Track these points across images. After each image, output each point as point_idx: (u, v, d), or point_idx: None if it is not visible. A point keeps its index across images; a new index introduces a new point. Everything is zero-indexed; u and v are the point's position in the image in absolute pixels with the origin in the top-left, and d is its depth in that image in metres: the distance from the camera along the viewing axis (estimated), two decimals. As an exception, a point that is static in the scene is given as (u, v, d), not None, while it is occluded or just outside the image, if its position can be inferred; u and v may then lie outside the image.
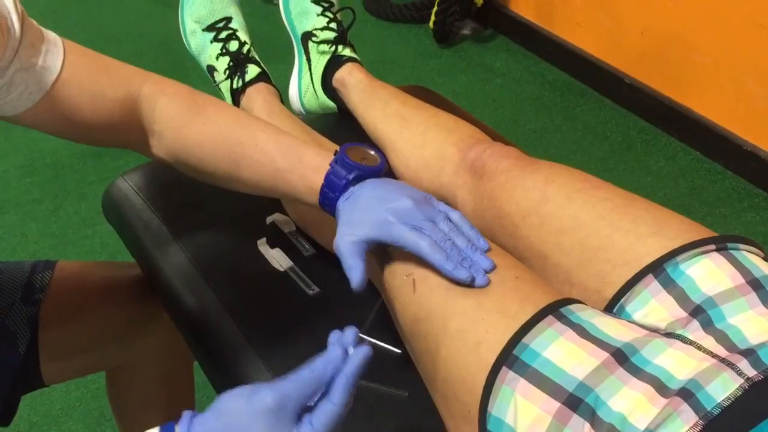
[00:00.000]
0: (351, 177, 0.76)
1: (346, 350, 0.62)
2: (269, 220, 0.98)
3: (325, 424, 0.58)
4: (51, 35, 0.80)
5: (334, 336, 0.64)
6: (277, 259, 0.93)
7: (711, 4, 2.04)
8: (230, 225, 0.95)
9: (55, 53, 0.79)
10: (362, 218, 0.74)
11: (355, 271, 0.72)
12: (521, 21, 2.65)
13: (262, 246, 0.95)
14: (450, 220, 0.75)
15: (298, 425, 0.58)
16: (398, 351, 0.80)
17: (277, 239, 0.96)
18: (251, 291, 0.90)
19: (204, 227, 0.98)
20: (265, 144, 0.82)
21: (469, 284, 0.70)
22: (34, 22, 0.79)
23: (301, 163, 0.80)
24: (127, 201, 1.05)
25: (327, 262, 0.92)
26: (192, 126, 0.85)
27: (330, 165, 0.78)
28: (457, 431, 0.68)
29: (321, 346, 0.82)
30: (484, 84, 2.51)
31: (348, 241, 0.73)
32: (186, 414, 0.60)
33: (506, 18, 2.70)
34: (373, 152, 0.81)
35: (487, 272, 0.71)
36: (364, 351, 0.62)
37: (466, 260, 0.71)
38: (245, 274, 0.92)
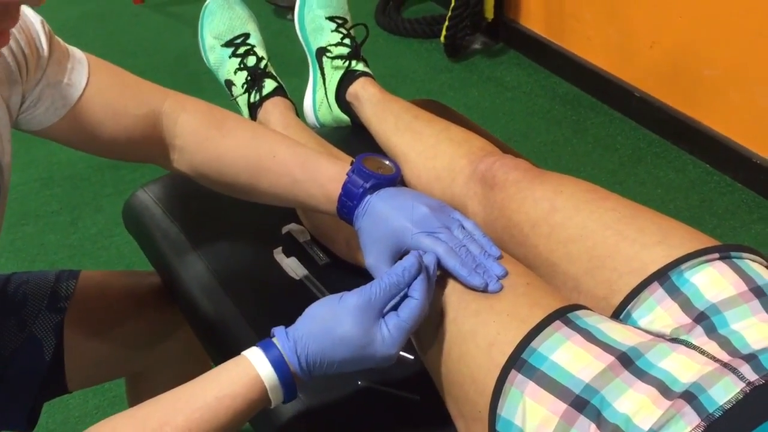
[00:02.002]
0: (368, 185, 0.79)
1: (420, 256, 0.71)
2: (285, 229, 1.01)
3: (409, 315, 0.69)
4: (77, 53, 0.84)
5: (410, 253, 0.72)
6: (293, 267, 0.96)
7: (720, 18, 2.06)
8: (247, 234, 0.98)
9: (80, 70, 0.82)
10: (383, 230, 0.77)
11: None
12: (532, 35, 2.68)
13: (278, 255, 0.98)
14: (464, 228, 0.78)
15: (385, 317, 0.69)
16: (411, 357, 0.83)
17: (293, 248, 0.98)
18: (267, 299, 0.93)
19: (221, 237, 1.01)
20: (283, 156, 0.86)
21: (483, 290, 0.72)
22: (61, 41, 0.83)
23: (319, 173, 0.83)
24: (147, 211, 1.08)
25: (341, 270, 0.95)
26: (212, 140, 0.88)
27: (347, 174, 0.81)
28: (467, 430, 0.70)
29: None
30: (495, 97, 2.54)
31: (378, 260, 0.77)
32: (277, 328, 0.70)
33: (517, 32, 2.73)
34: (387, 162, 0.84)
35: (499, 278, 0.73)
36: (433, 255, 0.72)
37: (480, 266, 0.74)
38: (262, 282, 0.95)
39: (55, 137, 0.84)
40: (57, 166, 2.23)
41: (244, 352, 0.70)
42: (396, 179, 0.82)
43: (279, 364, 0.68)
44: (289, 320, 0.90)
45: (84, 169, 2.21)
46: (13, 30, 0.73)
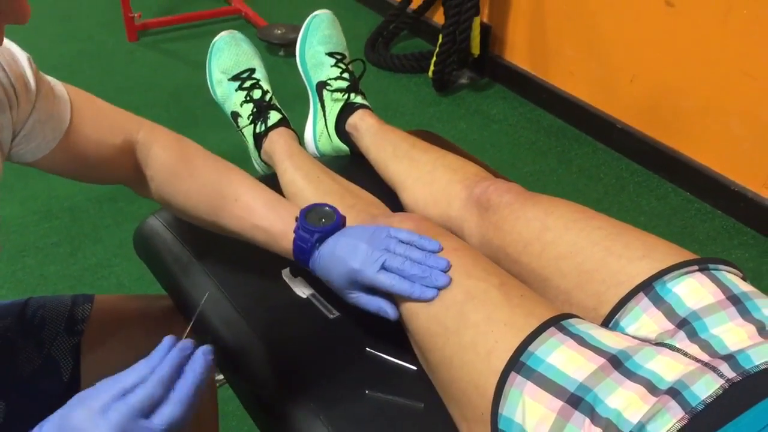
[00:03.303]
0: (314, 240, 0.88)
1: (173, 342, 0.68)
2: (291, 252, 1.06)
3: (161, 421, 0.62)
4: (57, 86, 0.87)
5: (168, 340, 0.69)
6: (300, 287, 1.01)
7: (696, 53, 2.15)
8: (255, 256, 1.03)
9: (64, 105, 0.87)
10: (340, 276, 0.86)
11: (383, 310, 0.85)
12: (516, 70, 2.77)
13: (286, 275, 1.03)
14: (401, 241, 0.85)
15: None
16: (414, 368, 0.89)
17: (299, 269, 1.04)
18: (277, 316, 0.98)
19: (231, 259, 1.06)
20: (245, 200, 0.94)
21: (437, 295, 0.81)
22: (43, 75, 0.87)
23: (273, 227, 0.91)
24: (158, 237, 1.13)
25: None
26: (179, 177, 0.95)
27: (294, 231, 0.89)
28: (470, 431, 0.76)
29: (340, 364, 0.91)
30: (482, 130, 2.62)
31: (352, 297, 0.86)
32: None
33: (502, 67, 2.82)
34: (328, 208, 0.91)
35: (444, 271, 0.81)
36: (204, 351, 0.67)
37: (426, 271, 0.81)
38: (271, 300, 1.00)
39: (45, 167, 0.89)
40: (56, 199, 2.27)
41: None
42: (338, 226, 0.89)
43: None
44: (298, 335, 0.96)
45: (82, 202, 2.26)
46: (2, 64, 0.77)
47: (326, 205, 0.92)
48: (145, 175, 0.95)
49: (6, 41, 0.78)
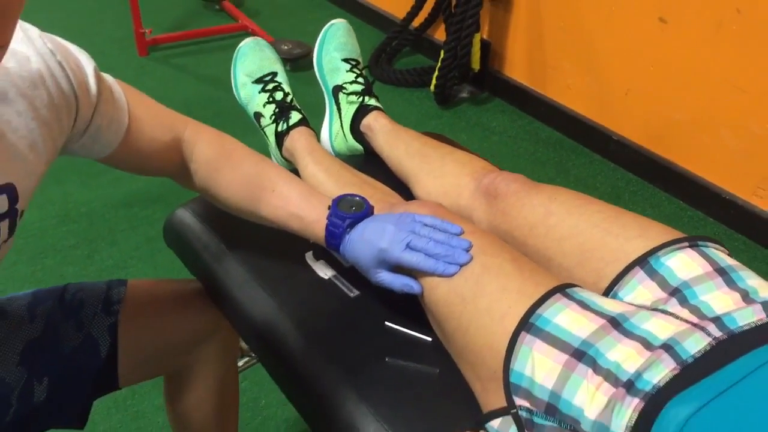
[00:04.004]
0: (345, 225, 0.97)
1: None
2: (313, 238, 1.15)
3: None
4: (115, 88, 0.94)
5: None
6: (322, 269, 1.10)
7: (689, 67, 2.25)
8: (280, 241, 1.12)
9: (122, 107, 0.94)
10: (369, 257, 0.94)
11: (408, 286, 0.93)
12: (516, 84, 2.87)
13: (309, 258, 1.11)
14: (425, 225, 0.94)
15: None
16: (429, 339, 0.97)
17: (321, 253, 1.12)
18: (302, 295, 1.06)
19: (258, 244, 1.14)
20: (282, 189, 1.02)
21: (459, 271, 0.89)
22: (104, 77, 0.92)
23: (306, 214, 1.00)
24: (187, 226, 1.21)
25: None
26: (221, 170, 1.04)
27: (327, 218, 0.98)
28: (484, 389, 0.84)
29: (362, 336, 0.99)
30: (482, 141, 2.71)
31: (378, 276, 0.95)
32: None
33: (501, 82, 2.92)
34: (358, 199, 1.01)
35: (466, 250, 0.90)
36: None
37: (449, 250, 0.90)
38: (296, 281, 1.08)
39: (110, 164, 0.97)
40: (72, 204, 2.36)
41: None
42: (367, 214, 0.99)
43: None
44: (323, 312, 1.04)
45: (98, 207, 2.34)
46: (68, 71, 0.84)
47: (356, 195, 1.01)
48: (190, 168, 1.04)
49: (76, 49, 0.87)
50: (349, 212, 0.98)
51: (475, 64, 2.87)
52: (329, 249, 1.00)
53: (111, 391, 1.12)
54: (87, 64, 0.88)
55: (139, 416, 1.68)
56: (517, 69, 2.87)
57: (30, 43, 0.80)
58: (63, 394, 1.07)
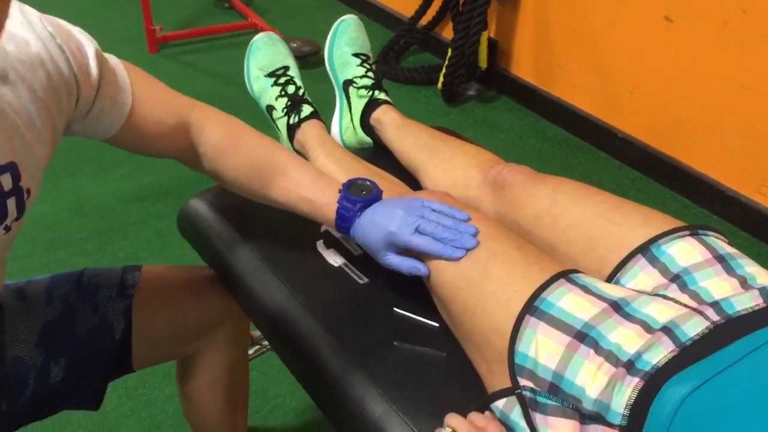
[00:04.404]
0: (356, 209, 1.00)
1: None
2: (324, 227, 1.18)
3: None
4: (120, 70, 0.94)
5: None
6: (333, 257, 1.13)
7: (694, 66, 2.28)
8: (292, 230, 1.15)
9: (125, 89, 0.94)
10: (377, 240, 0.97)
11: (415, 268, 0.95)
12: (522, 83, 2.90)
13: (320, 246, 1.15)
14: (433, 210, 0.97)
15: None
16: (436, 324, 1.00)
17: (332, 242, 1.15)
18: (313, 282, 1.09)
19: (270, 233, 1.17)
20: (292, 174, 1.05)
21: (465, 255, 0.92)
22: (107, 59, 0.94)
23: (317, 197, 1.03)
24: (200, 216, 1.24)
25: (373, 260, 1.12)
26: (230, 154, 1.06)
27: (338, 202, 1.01)
28: (489, 371, 0.87)
29: (371, 321, 1.02)
30: (489, 139, 2.74)
31: (387, 259, 0.97)
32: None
33: (508, 80, 2.95)
34: (369, 183, 1.04)
35: (473, 235, 0.93)
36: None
37: (457, 234, 0.93)
38: (308, 269, 1.11)
39: (114, 144, 0.99)
40: (84, 198, 2.39)
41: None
42: (377, 198, 1.02)
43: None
44: (334, 298, 1.07)
45: (110, 201, 2.38)
46: (67, 53, 0.85)
47: (366, 179, 1.04)
48: (198, 151, 1.06)
49: (78, 31, 0.89)
50: (359, 196, 1.01)
51: (483, 62, 2.89)
52: (339, 231, 1.03)
53: (125, 373, 1.15)
54: (88, 46, 0.89)
55: (150, 405, 1.71)
56: (524, 67, 2.89)
57: (29, 26, 0.82)
58: (79, 375, 1.10)
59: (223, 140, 1.06)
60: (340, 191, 1.02)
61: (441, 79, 2.88)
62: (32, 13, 0.83)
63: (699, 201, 2.40)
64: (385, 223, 0.96)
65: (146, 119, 0.98)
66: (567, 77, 2.72)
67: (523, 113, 2.89)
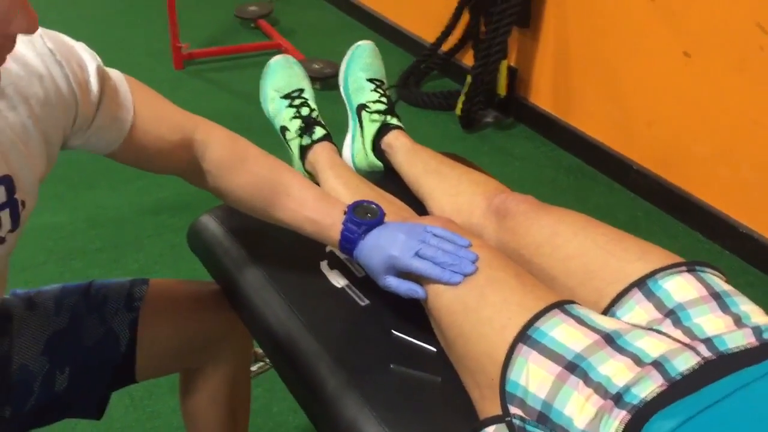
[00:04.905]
0: (361, 232, 1.01)
1: None
2: (329, 248, 1.20)
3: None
4: (122, 87, 0.95)
5: None
6: (336, 278, 1.14)
7: (711, 101, 2.28)
8: (298, 250, 1.17)
9: (127, 106, 0.95)
10: (379, 262, 0.99)
11: (413, 291, 0.97)
12: (540, 112, 2.91)
13: (324, 268, 1.16)
14: (435, 235, 0.99)
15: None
16: (433, 349, 1.02)
17: (335, 263, 1.17)
18: (316, 302, 1.10)
19: (277, 252, 1.19)
20: (298, 194, 1.07)
21: (463, 280, 0.93)
22: (111, 76, 0.94)
23: (322, 218, 1.05)
24: (210, 232, 1.27)
25: (374, 282, 1.13)
26: (234, 172, 1.07)
27: (343, 224, 1.03)
28: (482, 396, 0.88)
29: (370, 343, 1.04)
30: (504, 166, 2.75)
31: (386, 281, 0.99)
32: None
33: (526, 108, 2.96)
34: (374, 206, 1.05)
35: (472, 262, 0.94)
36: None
37: (456, 260, 0.94)
38: (311, 289, 1.13)
39: (115, 159, 1.01)
40: (102, 209, 2.44)
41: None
42: (381, 221, 1.04)
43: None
44: (334, 318, 1.08)
45: (127, 213, 2.42)
46: (68, 71, 0.85)
47: (371, 202, 1.06)
48: (202, 168, 1.07)
49: (81, 46, 0.90)
50: (364, 218, 1.02)
51: (501, 90, 2.92)
52: (342, 252, 1.04)
53: (129, 383, 1.17)
54: (90, 62, 0.89)
55: (155, 416, 1.73)
56: (542, 96, 2.91)
57: (29, 42, 0.83)
58: (83, 385, 1.12)
59: (227, 158, 1.07)
60: (345, 212, 1.04)
61: (459, 105, 2.91)
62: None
63: (712, 236, 2.39)
64: (387, 246, 0.98)
65: (148, 135, 0.99)
66: (585, 107, 2.74)
67: (540, 142, 2.90)
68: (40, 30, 0.85)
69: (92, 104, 0.91)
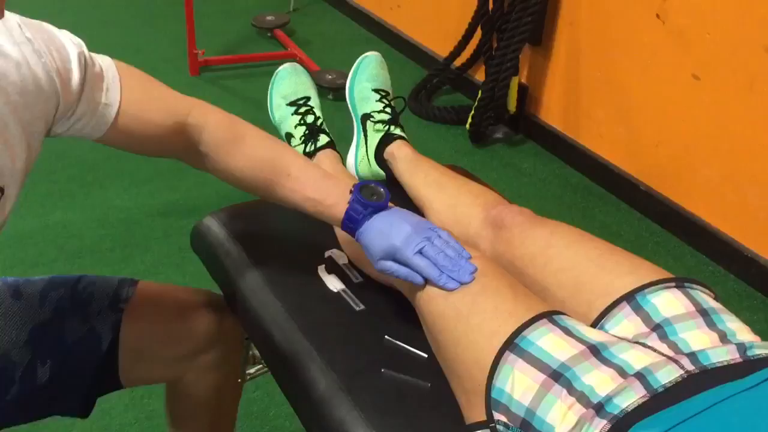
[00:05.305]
0: (366, 212, 1.02)
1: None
2: (327, 253, 1.22)
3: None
4: (110, 70, 0.95)
5: None
6: (333, 282, 1.16)
7: (720, 124, 2.29)
8: (297, 255, 1.19)
9: (114, 89, 0.94)
10: (380, 247, 0.99)
11: (412, 276, 0.97)
12: (549, 129, 2.93)
13: (321, 272, 1.18)
14: (440, 237, 1.00)
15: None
16: (424, 355, 1.03)
17: (333, 268, 1.19)
18: (312, 305, 1.12)
19: (276, 255, 1.22)
20: (298, 174, 1.06)
21: (456, 288, 0.95)
22: (96, 60, 0.94)
23: (325, 196, 1.04)
24: (213, 234, 1.29)
25: (371, 287, 1.15)
26: (232, 155, 1.05)
27: (348, 203, 1.03)
28: (468, 402, 0.89)
29: (363, 348, 1.05)
30: (512, 181, 2.77)
31: (384, 264, 1.00)
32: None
33: (536, 125, 2.98)
34: (381, 189, 1.05)
35: (470, 273, 0.95)
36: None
37: (455, 271, 0.95)
38: (308, 292, 1.15)
39: (106, 143, 0.99)
40: (112, 209, 2.47)
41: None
42: (387, 204, 1.04)
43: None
44: (329, 322, 1.10)
45: (136, 214, 2.45)
46: (47, 61, 0.85)
47: (378, 183, 1.06)
48: (200, 152, 1.05)
49: (63, 34, 0.90)
50: (370, 200, 1.02)
51: (512, 106, 2.93)
52: (345, 230, 1.04)
53: (115, 389, 1.16)
54: (71, 49, 0.89)
55: (154, 415, 1.75)
56: (552, 114, 2.93)
57: (7, 32, 0.83)
58: (65, 380, 1.10)
59: (225, 140, 1.05)
60: (351, 192, 1.03)
61: (469, 119, 2.93)
62: (13, 19, 0.85)
63: (717, 258, 2.39)
64: (392, 234, 0.98)
65: (136, 120, 0.97)
66: (594, 127, 2.75)
67: (548, 159, 2.91)
68: (19, 19, 0.85)
69: (74, 92, 0.90)
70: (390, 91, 1.50)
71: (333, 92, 3.16)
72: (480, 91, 2.88)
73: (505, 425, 0.84)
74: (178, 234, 2.35)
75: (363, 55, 1.50)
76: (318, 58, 3.53)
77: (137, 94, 0.97)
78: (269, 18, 3.88)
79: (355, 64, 1.49)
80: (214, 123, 1.05)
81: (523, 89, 2.95)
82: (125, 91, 0.96)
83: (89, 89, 0.92)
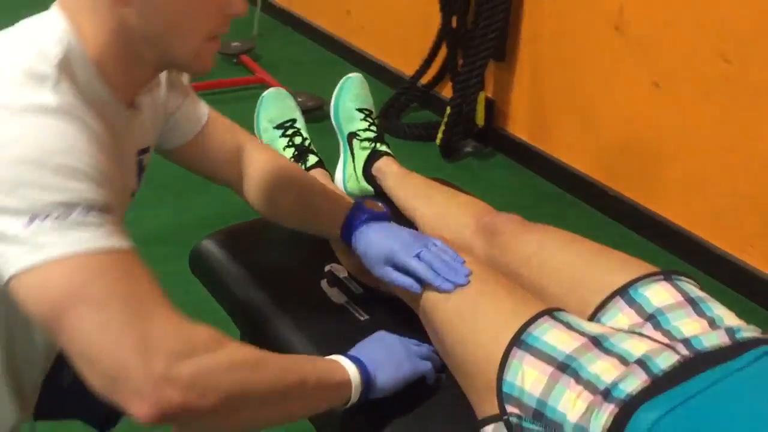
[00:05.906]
0: (365, 217, 1.11)
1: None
2: (327, 268, 1.26)
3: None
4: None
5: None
6: (336, 295, 1.21)
7: (680, 128, 2.38)
8: (298, 270, 1.23)
9: (203, 108, 1.11)
10: (378, 252, 1.06)
11: (410, 284, 1.03)
12: (517, 141, 3.00)
13: (324, 286, 1.22)
14: (436, 245, 1.07)
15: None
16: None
17: (335, 281, 1.23)
18: (317, 317, 1.16)
19: (278, 271, 1.25)
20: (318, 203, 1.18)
21: (453, 289, 1.01)
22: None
23: (335, 207, 1.16)
24: (211, 255, 1.32)
25: (372, 298, 1.20)
26: (274, 199, 1.17)
27: (350, 208, 1.13)
28: (480, 399, 0.94)
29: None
30: (484, 193, 2.78)
31: (383, 271, 1.06)
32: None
33: (504, 138, 3.05)
34: (381, 204, 1.16)
35: (466, 276, 1.02)
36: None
37: (451, 269, 1.02)
38: (312, 304, 1.19)
39: (176, 159, 1.11)
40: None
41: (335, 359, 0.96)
42: (386, 216, 1.14)
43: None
44: (334, 334, 1.14)
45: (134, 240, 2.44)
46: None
47: (379, 202, 1.16)
48: (244, 181, 1.17)
49: None
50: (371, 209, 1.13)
51: (480, 121, 3.00)
52: (342, 238, 1.13)
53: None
54: None
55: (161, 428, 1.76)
56: (519, 126, 3.00)
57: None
58: (82, 392, 1.13)
59: (267, 175, 1.16)
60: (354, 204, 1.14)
61: (439, 135, 2.99)
62: None
63: (687, 258, 2.46)
64: (390, 240, 1.06)
65: (213, 137, 1.11)
66: (560, 136, 2.83)
67: (518, 170, 2.99)
68: None
69: (181, 95, 1.05)
70: (373, 110, 1.55)
71: (304, 114, 3.19)
72: (448, 107, 2.95)
73: (518, 417, 0.89)
74: (175, 259, 2.36)
75: (346, 77, 1.55)
76: (286, 82, 3.57)
77: (219, 119, 1.14)
78: (234, 44, 3.91)
79: (338, 86, 1.55)
80: (262, 158, 1.17)
81: (490, 103, 3.03)
82: (211, 115, 1.12)
83: (189, 98, 1.07)
